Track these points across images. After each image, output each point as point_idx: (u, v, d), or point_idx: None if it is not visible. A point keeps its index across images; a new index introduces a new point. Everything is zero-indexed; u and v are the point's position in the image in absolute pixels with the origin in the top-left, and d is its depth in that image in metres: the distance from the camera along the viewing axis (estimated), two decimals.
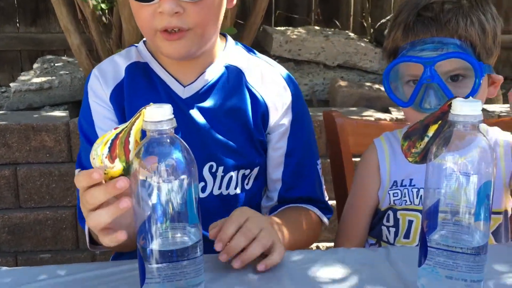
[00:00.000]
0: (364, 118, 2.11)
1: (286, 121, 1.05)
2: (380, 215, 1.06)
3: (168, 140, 0.61)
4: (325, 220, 1.09)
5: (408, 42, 0.94)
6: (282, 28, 3.04)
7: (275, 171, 1.07)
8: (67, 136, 2.21)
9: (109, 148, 0.62)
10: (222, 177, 1.00)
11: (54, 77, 2.69)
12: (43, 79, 2.66)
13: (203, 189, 0.99)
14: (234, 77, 1.02)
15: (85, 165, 1.01)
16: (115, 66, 1.03)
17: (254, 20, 2.83)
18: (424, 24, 0.93)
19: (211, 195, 1.00)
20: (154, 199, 0.61)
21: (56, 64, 2.95)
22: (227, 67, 1.03)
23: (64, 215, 2.22)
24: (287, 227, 0.95)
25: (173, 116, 0.61)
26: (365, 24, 3.23)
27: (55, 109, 2.53)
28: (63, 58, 3.12)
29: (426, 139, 0.71)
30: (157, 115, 0.59)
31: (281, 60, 2.94)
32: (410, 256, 0.75)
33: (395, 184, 1.03)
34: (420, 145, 0.72)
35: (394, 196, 1.03)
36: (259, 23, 2.89)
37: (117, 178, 0.63)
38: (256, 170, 1.04)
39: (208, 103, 1.00)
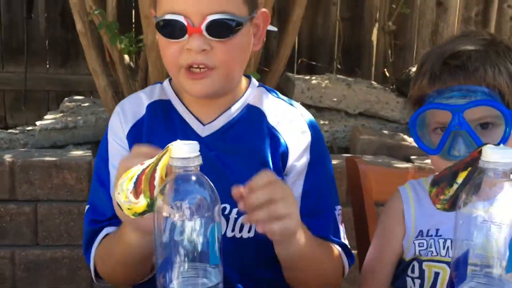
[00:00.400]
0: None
1: (303, 162, 1.03)
2: (404, 266, 1.03)
3: (194, 178, 0.61)
4: (346, 263, 1.05)
5: (434, 90, 0.94)
6: (305, 76, 3.08)
7: None
8: (89, 175, 2.22)
9: (135, 183, 0.62)
10: (236, 219, 0.98)
11: (79, 117, 2.75)
12: (69, 118, 2.72)
13: None
14: (254, 118, 1.02)
15: (95, 202, 1.02)
16: (139, 103, 1.04)
17: (277, 67, 2.88)
18: (451, 73, 0.92)
19: (224, 237, 0.96)
20: (176, 237, 0.60)
21: (82, 105, 3.02)
22: (248, 107, 1.03)
23: (80, 254, 2.20)
24: (311, 239, 0.93)
25: (199, 153, 0.61)
26: (387, 74, 3.25)
27: (79, 149, 2.57)
28: (90, 98, 3.19)
29: (455, 186, 0.70)
30: (183, 152, 0.59)
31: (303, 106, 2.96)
32: None
33: (420, 233, 1.01)
34: (449, 192, 0.70)
35: (419, 246, 1.00)
36: (282, 70, 2.94)
37: (138, 182, 0.64)
38: None
39: (227, 142, 1.00)
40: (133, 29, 3.02)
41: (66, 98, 3.17)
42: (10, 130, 2.93)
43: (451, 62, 0.93)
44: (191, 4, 0.90)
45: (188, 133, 0.99)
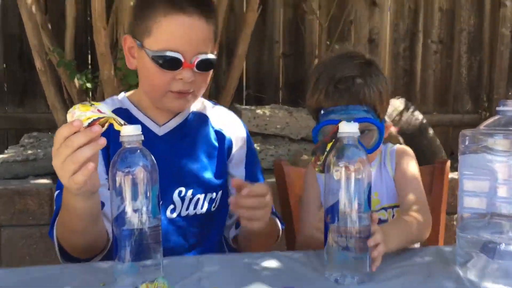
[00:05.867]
0: None
1: (243, 152, 1.36)
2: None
3: (138, 150, 0.84)
4: (281, 228, 1.35)
5: (329, 105, 1.23)
6: (251, 107, 3.36)
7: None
8: (50, 200, 2.39)
9: (89, 124, 0.84)
10: (190, 200, 1.23)
11: (39, 150, 2.90)
12: (29, 151, 2.87)
13: (172, 211, 1.22)
14: (201, 121, 1.31)
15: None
16: None
17: (225, 98, 3.15)
18: (341, 94, 1.22)
19: (179, 216, 1.23)
20: (127, 193, 0.82)
21: (41, 139, 3.17)
22: (194, 113, 1.32)
23: None
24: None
25: (141, 132, 0.85)
26: None
27: (39, 179, 2.72)
28: (48, 134, 3.34)
29: (325, 153, 0.96)
30: (129, 131, 0.83)
31: (250, 134, 3.22)
32: None
33: None
34: (322, 158, 0.96)
35: None
36: (230, 101, 3.21)
37: (92, 125, 0.83)
38: (220, 193, 1.29)
39: (180, 139, 1.26)
40: (90, 67, 3.24)
41: (25, 135, 3.30)
42: None
43: (340, 86, 1.22)
44: (187, 45, 1.16)
45: (147, 133, 1.22)
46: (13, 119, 3.52)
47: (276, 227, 1.33)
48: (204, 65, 1.18)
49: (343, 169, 0.86)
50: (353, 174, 0.85)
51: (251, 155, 1.38)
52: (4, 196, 2.35)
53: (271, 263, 0.97)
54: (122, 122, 0.85)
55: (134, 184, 0.82)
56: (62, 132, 0.87)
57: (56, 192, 1.17)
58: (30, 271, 0.96)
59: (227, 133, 1.33)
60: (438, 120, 3.81)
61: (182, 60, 1.15)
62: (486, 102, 4.14)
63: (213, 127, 1.32)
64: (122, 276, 0.83)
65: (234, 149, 1.34)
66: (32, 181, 2.57)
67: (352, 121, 1.15)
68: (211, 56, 1.19)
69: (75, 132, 0.85)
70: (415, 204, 1.17)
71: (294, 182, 1.47)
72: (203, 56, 1.17)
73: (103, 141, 0.87)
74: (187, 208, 1.23)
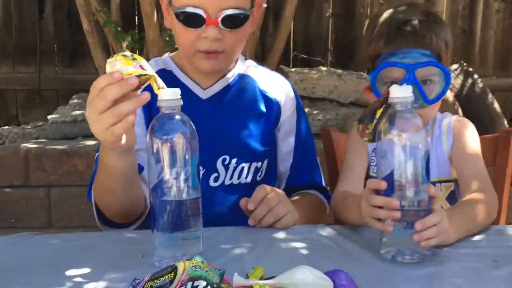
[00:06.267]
0: None
1: (293, 121, 1.26)
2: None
3: (177, 116, 0.78)
4: (327, 204, 1.28)
5: (390, 50, 1.09)
6: (298, 69, 3.25)
7: (283, 164, 1.27)
8: None
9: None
10: (235, 168, 1.17)
11: None
12: (78, 112, 2.90)
13: (216, 179, 1.16)
14: (247, 83, 1.23)
15: None
16: None
17: (271, 60, 3.06)
18: (405, 37, 1.09)
19: (223, 185, 1.17)
20: (166, 161, 0.77)
21: None
22: (240, 76, 1.23)
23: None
24: (301, 206, 1.13)
25: (180, 97, 0.79)
26: None
27: (88, 140, 2.75)
28: None
29: (375, 121, 0.87)
30: (168, 95, 0.77)
31: None
32: None
33: (373, 152, 1.17)
34: (372, 126, 0.88)
35: (371, 163, 1.17)
36: (276, 62, 3.12)
37: (128, 76, 0.78)
38: (266, 162, 1.21)
39: (225, 103, 1.19)
40: (136, 28, 3.21)
41: (74, 95, 3.34)
42: (22, 126, 3.12)
43: (404, 28, 1.10)
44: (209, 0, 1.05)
45: (191, 96, 1.17)
46: (62, 80, 3.58)
47: (320, 205, 1.27)
48: (230, 22, 1.08)
49: (397, 137, 0.77)
50: (408, 143, 0.77)
51: (302, 123, 1.28)
52: (53, 156, 2.39)
53: (318, 238, 0.91)
54: (161, 85, 0.79)
55: (173, 153, 0.77)
56: (99, 83, 0.82)
57: (97, 154, 1.14)
58: (67, 238, 0.94)
59: (275, 97, 1.24)
60: (498, 84, 3.59)
61: (204, 16, 1.06)
62: None
63: (260, 90, 1.23)
64: (161, 248, 0.80)
65: (282, 116, 1.25)
66: (81, 142, 2.60)
67: (416, 65, 1.04)
68: (239, 11, 1.07)
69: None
70: (478, 184, 1.06)
71: (342, 148, 1.39)
72: (228, 12, 1.06)
73: (146, 96, 0.81)
74: (231, 177, 1.17)
